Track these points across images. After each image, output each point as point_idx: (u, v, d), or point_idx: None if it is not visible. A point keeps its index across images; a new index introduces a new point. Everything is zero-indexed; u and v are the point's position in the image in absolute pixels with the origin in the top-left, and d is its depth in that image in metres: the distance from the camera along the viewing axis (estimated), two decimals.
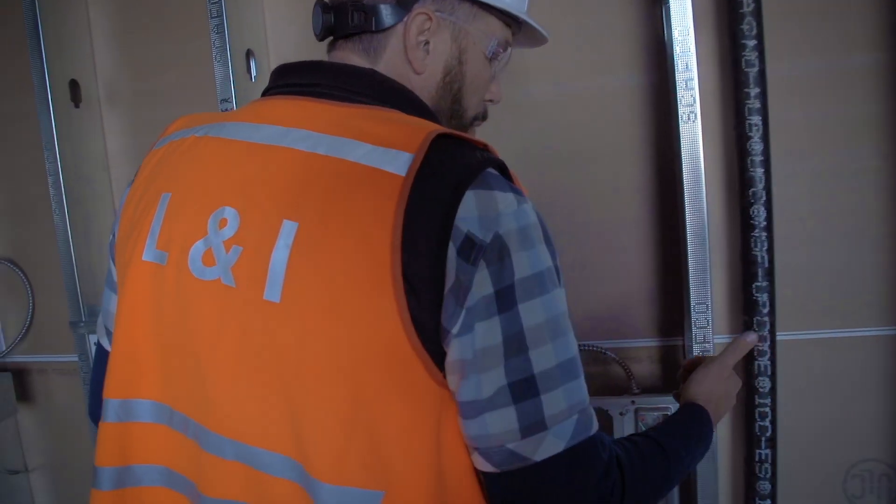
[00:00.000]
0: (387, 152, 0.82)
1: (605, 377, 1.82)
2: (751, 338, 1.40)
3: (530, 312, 0.82)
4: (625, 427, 1.66)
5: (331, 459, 0.83)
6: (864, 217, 1.68)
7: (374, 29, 0.97)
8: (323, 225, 0.82)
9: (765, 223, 1.61)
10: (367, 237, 0.79)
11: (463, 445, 0.87)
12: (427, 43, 0.98)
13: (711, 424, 1.13)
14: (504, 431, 0.82)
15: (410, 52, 0.97)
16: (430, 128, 0.84)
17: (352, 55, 0.99)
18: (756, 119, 1.58)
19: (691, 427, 1.10)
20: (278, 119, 0.92)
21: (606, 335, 1.80)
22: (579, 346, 1.13)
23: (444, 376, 0.83)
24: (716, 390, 1.21)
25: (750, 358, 1.67)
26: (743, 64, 1.57)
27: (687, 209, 1.55)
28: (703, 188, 1.53)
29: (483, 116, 1.09)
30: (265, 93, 1.00)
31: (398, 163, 0.81)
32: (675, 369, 1.72)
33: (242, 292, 0.84)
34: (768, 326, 1.64)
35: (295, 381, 0.83)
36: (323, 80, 0.95)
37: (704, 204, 1.53)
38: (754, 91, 1.57)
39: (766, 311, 1.64)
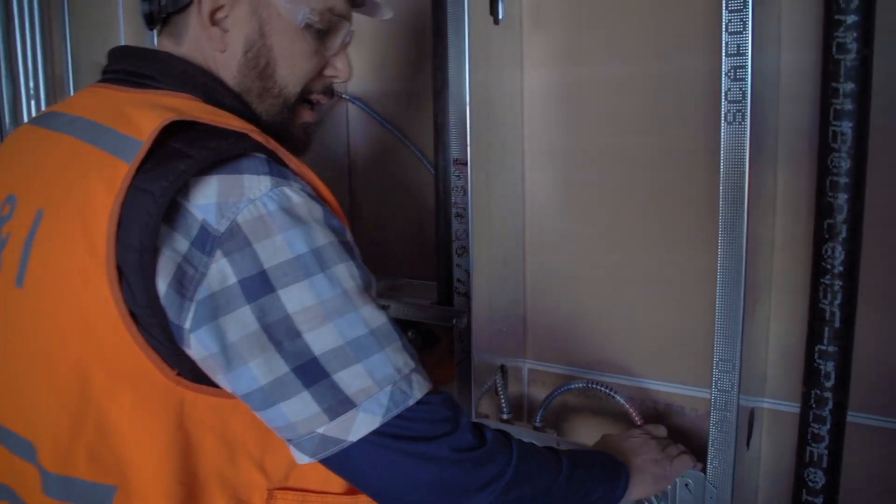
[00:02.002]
0: (125, 139, 0.82)
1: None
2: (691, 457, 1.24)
3: (295, 296, 0.80)
4: None
5: (56, 448, 0.85)
6: None
7: (172, 9, 0.96)
8: (57, 213, 0.82)
9: (842, 268, 1.18)
10: (87, 227, 0.79)
11: (214, 448, 0.87)
12: (225, 18, 0.95)
13: (622, 480, 1.08)
14: (307, 417, 0.81)
15: (207, 28, 0.95)
16: (172, 115, 0.82)
17: (164, 40, 1.00)
18: (845, 125, 1.14)
19: (599, 465, 1.07)
20: (74, 106, 0.95)
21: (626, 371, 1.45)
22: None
23: (180, 374, 0.83)
24: (641, 462, 1.15)
25: (803, 441, 1.26)
26: (834, 48, 1.14)
27: (720, 238, 1.15)
28: (745, 212, 1.12)
29: (325, 92, 1.05)
30: None
31: (130, 150, 0.80)
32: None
33: (4, 276, 0.86)
34: (830, 405, 1.22)
35: (26, 371, 0.85)
36: (125, 67, 0.96)
37: (744, 235, 1.13)
38: (847, 87, 1.14)
39: (829, 384, 1.21)
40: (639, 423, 1.29)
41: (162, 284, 0.78)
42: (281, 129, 1.01)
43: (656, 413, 1.43)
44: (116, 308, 0.78)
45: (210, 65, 0.96)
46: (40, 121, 0.98)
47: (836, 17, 1.12)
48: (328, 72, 1.03)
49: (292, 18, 0.96)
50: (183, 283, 0.79)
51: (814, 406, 1.23)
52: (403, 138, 1.62)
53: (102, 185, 0.79)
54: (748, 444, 1.28)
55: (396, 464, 0.83)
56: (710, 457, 1.22)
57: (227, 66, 0.97)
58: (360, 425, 0.81)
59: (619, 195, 1.40)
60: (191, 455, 0.87)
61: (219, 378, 0.82)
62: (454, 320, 1.39)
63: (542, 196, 1.48)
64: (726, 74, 1.11)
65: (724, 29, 1.10)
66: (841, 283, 1.18)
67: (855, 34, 1.11)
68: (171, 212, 0.79)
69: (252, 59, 0.96)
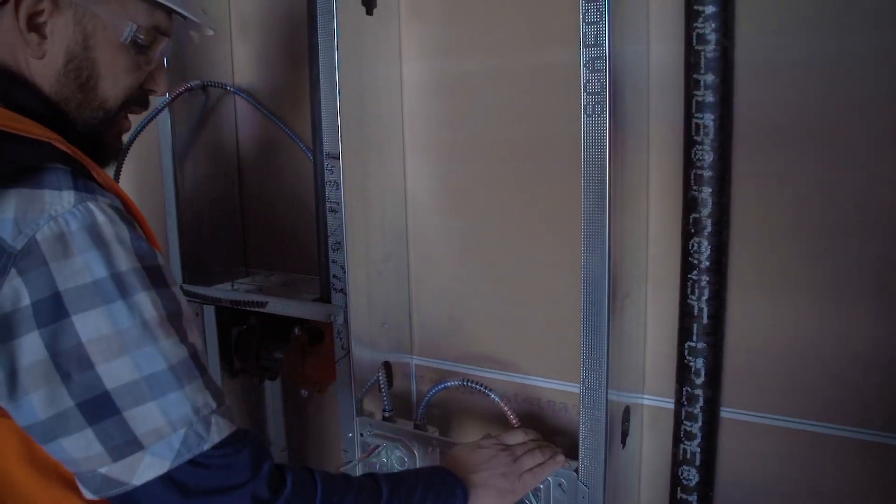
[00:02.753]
0: None
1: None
2: (559, 458, 1.21)
3: (91, 323, 0.76)
4: None
5: None
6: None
7: None
8: None
9: (708, 263, 1.16)
10: None
11: (39, 470, 0.83)
12: (44, 24, 0.89)
13: (457, 500, 1.06)
14: (89, 456, 0.77)
15: (23, 33, 0.88)
16: None
17: None
18: (707, 117, 1.12)
19: (427, 486, 1.03)
20: None
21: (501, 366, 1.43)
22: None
23: None
24: (485, 478, 1.12)
25: (676, 439, 1.24)
26: (695, 39, 1.11)
27: (583, 232, 1.12)
28: (607, 206, 1.09)
29: (140, 103, 1.02)
30: None
31: None
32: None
33: None
34: (701, 402, 1.20)
35: None
36: None
37: (606, 228, 1.10)
38: (708, 78, 1.11)
39: (699, 381, 1.20)
40: (514, 422, 1.26)
41: None
42: (97, 140, 0.97)
43: (539, 409, 1.41)
44: None
45: (22, 69, 0.91)
46: None
47: (696, 7, 1.10)
48: (147, 84, 1.00)
49: (118, 34, 0.93)
50: None
51: (685, 403, 1.21)
52: (289, 132, 1.58)
53: None
54: (624, 441, 1.26)
55: None
56: (580, 455, 1.20)
57: (44, 74, 0.91)
58: (145, 468, 0.78)
59: (500, 189, 1.37)
60: (2, 487, 0.83)
61: (2, 404, 0.78)
62: (332, 317, 1.36)
63: (423, 190, 1.45)
64: (584, 66, 1.08)
65: (581, 19, 1.07)
66: (708, 279, 1.16)
67: (714, 24, 1.09)
68: None
69: (73, 70, 0.92)
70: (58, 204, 0.77)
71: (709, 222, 1.14)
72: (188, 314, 0.87)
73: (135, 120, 1.25)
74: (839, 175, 1.10)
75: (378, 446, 1.36)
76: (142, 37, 0.94)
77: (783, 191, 1.14)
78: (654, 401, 1.31)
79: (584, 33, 1.07)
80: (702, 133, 1.12)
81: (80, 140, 0.92)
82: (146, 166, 1.71)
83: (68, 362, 0.75)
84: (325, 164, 1.32)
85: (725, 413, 1.24)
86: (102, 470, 0.77)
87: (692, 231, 1.15)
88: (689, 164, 1.15)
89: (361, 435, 1.39)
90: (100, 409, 0.76)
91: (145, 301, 0.79)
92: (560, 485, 1.22)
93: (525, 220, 1.36)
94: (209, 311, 1.55)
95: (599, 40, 1.07)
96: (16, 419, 0.78)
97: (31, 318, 0.74)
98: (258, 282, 1.60)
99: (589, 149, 1.10)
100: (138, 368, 0.77)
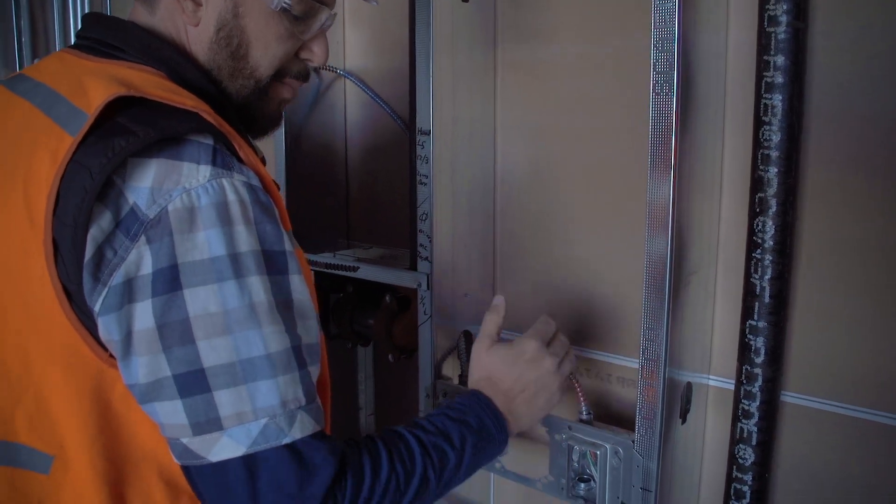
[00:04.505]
0: (75, 111, 0.81)
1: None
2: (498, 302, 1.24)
3: (201, 299, 0.78)
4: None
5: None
6: None
7: None
8: (6, 182, 0.83)
9: (772, 243, 1.18)
10: (29, 199, 0.79)
11: (145, 430, 0.86)
12: None
13: (493, 417, 1.06)
14: (174, 424, 0.79)
15: (180, 2, 0.91)
16: (122, 89, 0.80)
17: (138, 7, 0.96)
18: (776, 98, 1.14)
19: (465, 419, 1.03)
20: (41, 71, 0.93)
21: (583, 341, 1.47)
22: None
23: (113, 355, 0.82)
24: (508, 375, 1.14)
25: (735, 417, 1.26)
26: (766, 21, 1.14)
27: (646, 210, 1.16)
28: (672, 185, 1.13)
29: (299, 74, 1.02)
30: None
31: (77, 123, 0.79)
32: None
33: None
34: (760, 382, 1.22)
35: None
36: (94, 34, 0.93)
37: (670, 206, 1.14)
38: (778, 60, 1.14)
39: (759, 360, 1.21)
40: (581, 397, 1.31)
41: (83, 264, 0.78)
42: (252, 110, 0.99)
43: (609, 386, 1.45)
44: (51, 283, 0.78)
45: (181, 38, 0.93)
46: (10, 82, 0.96)
47: None
48: (304, 55, 1.01)
49: (267, 1, 0.93)
50: (100, 266, 0.77)
51: (744, 382, 1.23)
52: (390, 111, 1.69)
53: (48, 156, 0.78)
54: (684, 418, 1.29)
55: (240, 498, 0.80)
56: (637, 425, 1.23)
57: (199, 40, 0.93)
58: (221, 448, 0.79)
59: (583, 172, 1.43)
60: (122, 436, 0.86)
61: (119, 363, 0.81)
62: (417, 283, 1.45)
63: (512, 170, 1.52)
64: (654, 46, 1.13)
65: (653, 2, 1.12)
66: (771, 258, 1.18)
67: (785, 6, 1.12)
68: (107, 190, 0.77)
69: (224, 38, 0.93)
70: (193, 177, 0.79)
71: (774, 202, 1.16)
72: (303, 307, 0.86)
73: None
74: None
75: None
76: (290, 3, 0.93)
77: (857, 176, 1.15)
78: (719, 381, 1.32)
79: (654, 15, 1.12)
80: (770, 114, 1.15)
81: (237, 110, 0.96)
82: (264, 142, 1.85)
83: (172, 334, 0.77)
84: (418, 139, 1.42)
85: (789, 398, 1.25)
86: (184, 440, 0.79)
87: (757, 210, 1.18)
88: (756, 144, 1.17)
89: (438, 397, 1.47)
90: (192, 384, 0.78)
91: (257, 285, 0.80)
92: (617, 453, 1.26)
93: (605, 202, 1.41)
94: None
95: (669, 21, 1.11)
96: (123, 377, 0.81)
97: (149, 285, 0.77)
98: (358, 253, 1.70)
99: (656, 127, 1.14)
100: (237, 351, 0.78)
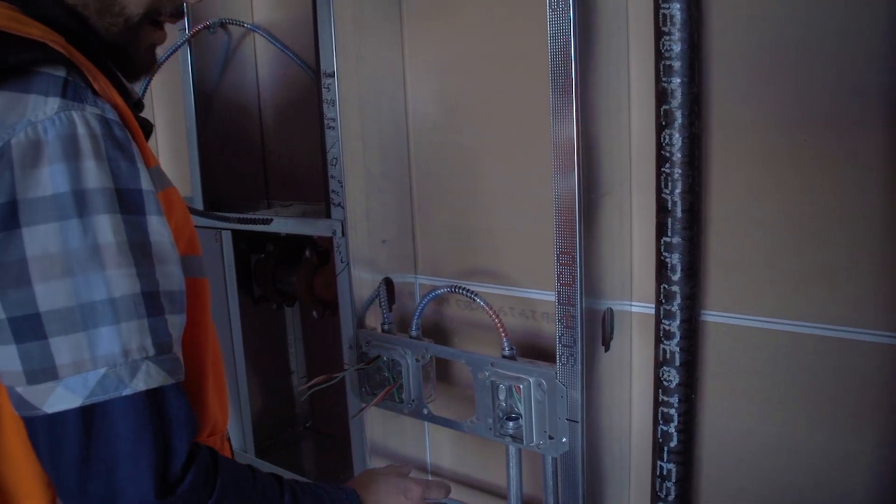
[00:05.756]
0: None
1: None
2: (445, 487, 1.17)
3: (39, 238, 0.72)
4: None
5: None
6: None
7: None
8: None
9: (680, 155, 1.15)
10: None
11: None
12: None
13: None
14: (10, 371, 0.74)
15: None
16: None
17: None
18: (674, 6, 1.11)
19: (329, 496, 0.99)
20: None
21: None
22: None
23: None
24: (375, 481, 1.10)
25: (657, 339, 1.23)
26: None
27: (552, 129, 1.13)
28: (574, 99, 1.10)
29: (174, 14, 0.96)
30: None
31: None
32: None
33: None
34: (679, 300, 1.19)
35: None
36: None
37: (573, 124, 1.11)
38: None
39: (675, 277, 1.19)
40: (502, 333, 1.27)
41: None
42: (123, 50, 0.93)
43: (535, 322, 1.42)
44: None
45: None
46: None
47: None
48: None
49: None
50: None
51: (663, 301, 1.21)
52: (296, 58, 1.64)
53: None
54: (607, 346, 1.26)
55: (72, 459, 0.75)
56: (557, 354, 1.20)
57: None
58: (56, 399, 0.73)
59: (502, 104, 1.39)
60: None
61: None
62: (333, 231, 1.41)
63: (422, 108, 1.48)
64: None
65: None
66: (681, 172, 1.15)
67: None
68: None
69: None
70: (40, 110, 0.74)
71: (679, 114, 1.13)
72: (163, 250, 0.81)
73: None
74: (816, 68, 1.08)
75: (377, 357, 1.40)
76: None
77: (763, 80, 1.13)
78: (642, 307, 1.30)
79: None
80: (669, 24, 1.12)
81: (107, 51, 0.90)
82: (173, 107, 1.80)
83: (7, 275, 0.72)
84: (323, 82, 1.38)
85: (710, 316, 1.23)
86: (19, 389, 0.74)
87: (663, 123, 1.15)
88: (658, 56, 1.14)
89: (361, 347, 1.43)
90: (27, 329, 0.73)
91: (104, 224, 0.75)
92: (540, 385, 1.23)
93: (519, 131, 1.38)
94: (227, 239, 1.63)
95: None
96: None
97: None
98: (277, 211, 1.66)
99: (554, 42, 1.11)
100: (76, 294, 0.73)
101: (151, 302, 0.77)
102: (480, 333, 1.49)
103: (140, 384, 0.75)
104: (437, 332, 1.53)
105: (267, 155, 1.79)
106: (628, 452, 1.37)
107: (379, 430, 1.51)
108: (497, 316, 1.27)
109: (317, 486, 1.00)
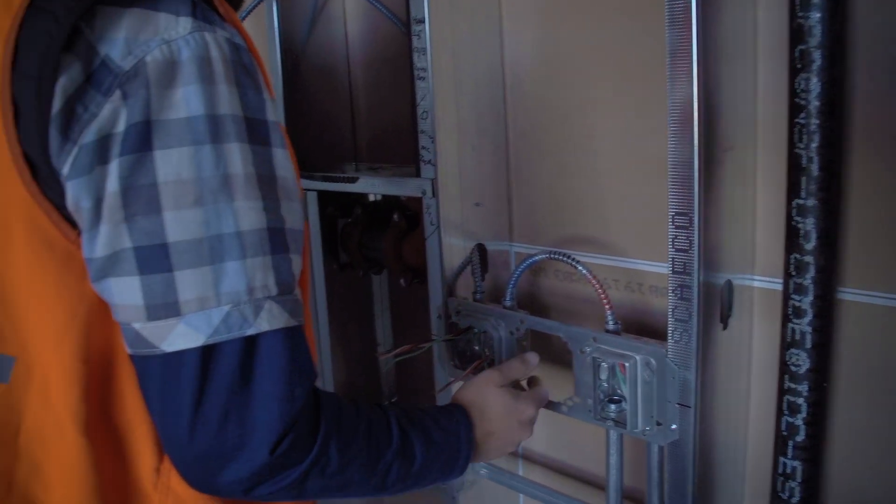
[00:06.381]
0: None
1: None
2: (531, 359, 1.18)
3: (173, 163, 0.69)
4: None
5: None
6: None
7: None
8: None
9: (818, 103, 0.99)
10: None
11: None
12: None
13: (465, 440, 0.98)
14: (128, 306, 0.71)
15: None
16: None
17: None
18: None
19: (440, 427, 0.95)
20: None
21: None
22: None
23: (78, 230, 0.73)
24: (498, 422, 1.05)
25: (784, 318, 1.08)
26: None
27: (669, 80, 0.99)
28: (694, 48, 0.96)
29: None
30: None
31: None
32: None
33: None
34: (812, 273, 1.04)
35: None
36: None
37: (694, 68, 0.96)
38: None
39: (809, 246, 1.03)
40: (607, 307, 1.14)
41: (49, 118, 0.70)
42: None
43: (642, 295, 1.28)
44: (9, 149, 0.70)
45: None
46: None
47: None
48: None
49: None
50: (69, 123, 0.69)
51: (794, 274, 1.06)
52: (391, 14, 1.54)
53: (7, 6, 0.70)
54: (725, 323, 1.11)
55: (185, 405, 0.71)
56: (669, 331, 1.07)
57: None
58: (176, 337, 0.71)
59: (610, 55, 1.26)
60: (94, 329, 0.77)
61: (83, 236, 0.73)
62: (423, 192, 1.30)
63: (523, 58, 1.35)
64: None
65: None
66: (818, 122, 0.99)
67: None
68: (74, 39, 0.69)
69: None
70: (173, 29, 0.71)
71: (818, 55, 0.98)
72: (288, 185, 0.78)
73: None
74: None
75: (468, 328, 1.29)
76: None
77: None
78: (766, 282, 1.15)
79: None
80: None
81: None
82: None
83: (137, 200, 0.69)
84: (413, 30, 1.27)
85: (846, 294, 1.07)
86: (136, 326, 0.71)
87: (798, 67, 0.99)
88: None
89: (451, 316, 1.32)
90: (153, 260, 0.70)
91: (235, 153, 0.72)
92: (649, 364, 1.10)
93: (629, 85, 1.24)
94: (311, 200, 1.54)
95: None
96: (84, 251, 0.73)
97: (118, 143, 0.69)
98: (365, 174, 1.57)
99: None
100: (206, 226, 0.71)
101: (277, 238, 0.75)
102: (580, 307, 1.36)
103: (264, 324, 0.73)
104: (533, 304, 1.41)
105: (356, 116, 1.69)
106: (744, 445, 1.22)
107: None
108: (601, 285, 1.14)
109: (424, 413, 0.95)
